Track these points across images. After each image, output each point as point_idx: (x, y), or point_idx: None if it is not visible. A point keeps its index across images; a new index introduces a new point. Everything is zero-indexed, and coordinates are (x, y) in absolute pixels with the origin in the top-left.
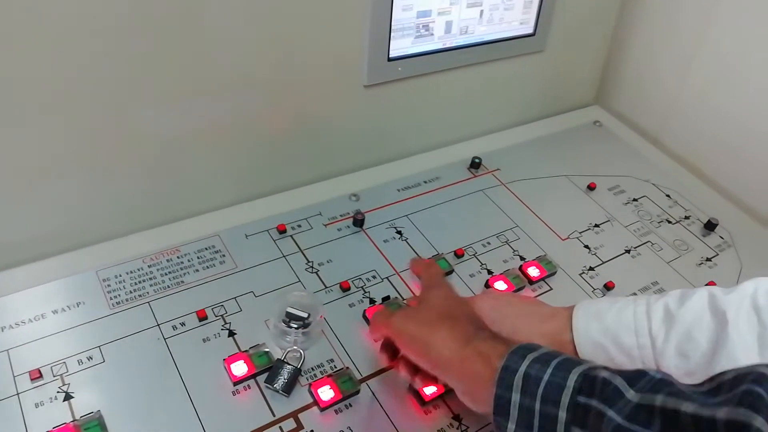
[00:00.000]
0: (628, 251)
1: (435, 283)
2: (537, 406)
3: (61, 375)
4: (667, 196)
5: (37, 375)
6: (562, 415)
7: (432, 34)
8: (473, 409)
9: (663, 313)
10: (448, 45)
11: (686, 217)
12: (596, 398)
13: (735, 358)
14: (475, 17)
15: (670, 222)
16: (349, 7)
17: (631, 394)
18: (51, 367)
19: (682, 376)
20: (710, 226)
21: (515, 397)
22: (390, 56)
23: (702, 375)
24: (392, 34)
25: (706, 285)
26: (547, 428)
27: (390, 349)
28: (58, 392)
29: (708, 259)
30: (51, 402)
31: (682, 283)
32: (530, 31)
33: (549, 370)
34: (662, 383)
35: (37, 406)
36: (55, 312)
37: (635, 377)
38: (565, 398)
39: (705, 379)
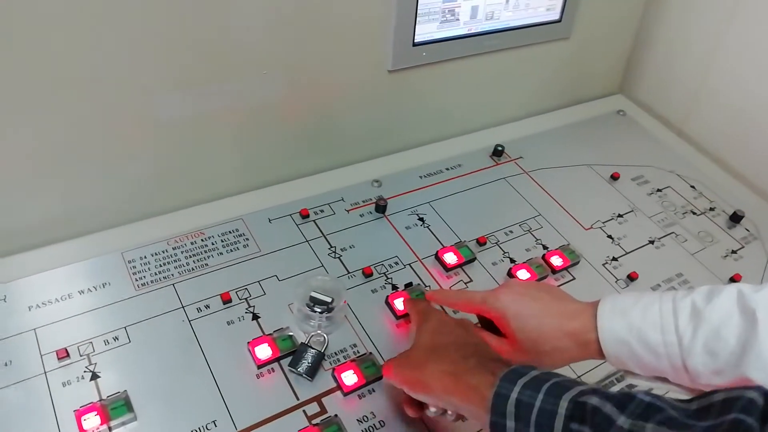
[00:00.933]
0: (651, 242)
1: (421, 319)
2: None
3: (87, 355)
4: (692, 187)
5: (64, 354)
6: None
7: (458, 20)
8: None
9: (690, 311)
10: (473, 30)
11: (711, 209)
12: (588, 425)
13: (765, 358)
14: (502, 2)
15: (694, 213)
16: None
17: (621, 421)
18: (78, 347)
19: (710, 375)
20: (736, 218)
21: (510, 423)
22: (415, 41)
23: (731, 374)
24: (418, 19)
25: (731, 278)
26: None
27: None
28: (84, 372)
29: (733, 252)
30: (78, 381)
31: (706, 275)
32: (556, 17)
33: (540, 396)
34: (652, 408)
35: (64, 385)
36: (81, 292)
37: (624, 402)
38: (558, 425)
39: (734, 378)
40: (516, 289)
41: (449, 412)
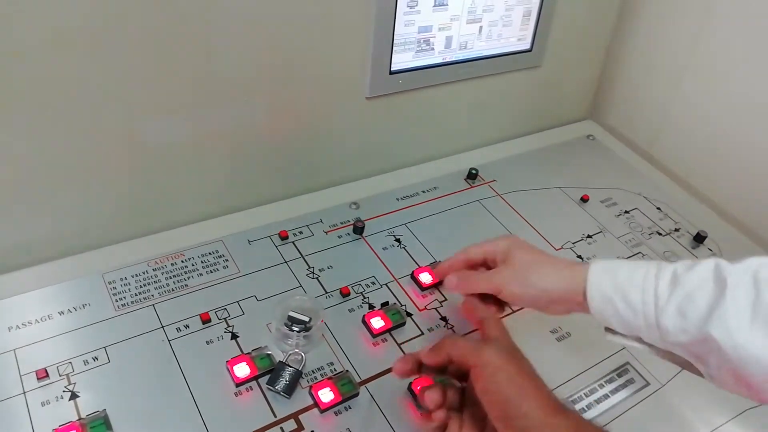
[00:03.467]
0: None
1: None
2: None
3: (67, 375)
4: (658, 208)
5: (43, 374)
6: None
7: (432, 49)
8: None
9: (671, 277)
10: (447, 59)
11: (676, 230)
12: None
13: (726, 321)
14: (475, 33)
15: (660, 234)
16: (353, 21)
17: None
18: (57, 367)
19: (678, 332)
20: (699, 239)
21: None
22: (392, 69)
23: (695, 333)
24: (394, 48)
25: None
26: None
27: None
28: (64, 391)
29: None
30: (57, 401)
31: None
32: (527, 47)
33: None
34: None
35: (43, 404)
36: (61, 313)
37: None
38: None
39: (698, 337)
40: (520, 243)
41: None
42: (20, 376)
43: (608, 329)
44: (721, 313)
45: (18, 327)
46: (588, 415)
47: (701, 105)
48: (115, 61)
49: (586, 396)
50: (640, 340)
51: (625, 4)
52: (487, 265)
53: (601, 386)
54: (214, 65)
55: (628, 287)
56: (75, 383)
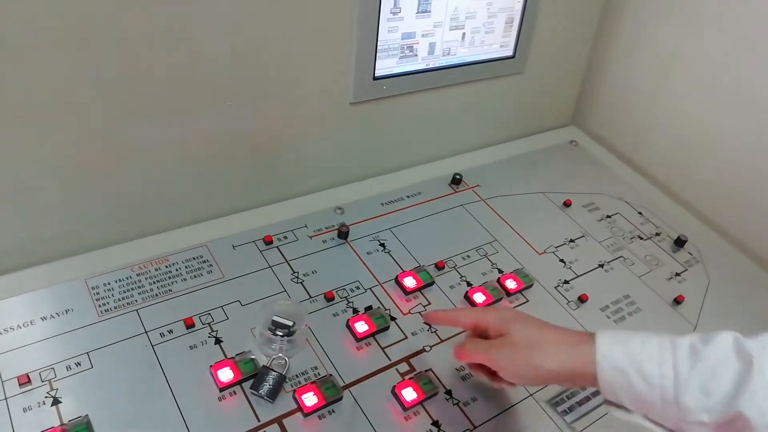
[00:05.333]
0: (601, 266)
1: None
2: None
3: (49, 380)
4: (639, 213)
5: (25, 380)
6: None
7: (416, 55)
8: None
9: (689, 350)
10: (431, 65)
11: (657, 234)
12: None
13: (757, 399)
14: (458, 39)
15: (641, 238)
16: (337, 28)
17: None
18: (39, 373)
19: (700, 411)
20: (680, 243)
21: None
22: (375, 75)
23: (721, 412)
24: (378, 54)
25: (675, 299)
26: None
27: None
28: (46, 397)
29: (677, 274)
30: (39, 407)
31: (652, 297)
32: (510, 53)
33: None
34: None
35: (25, 410)
36: (43, 319)
37: None
38: None
39: (726, 416)
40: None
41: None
42: (2, 382)
43: (609, 402)
44: (752, 391)
45: (0, 333)
46: (582, 410)
47: (682, 110)
48: (98, 65)
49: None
50: (645, 416)
51: (607, 12)
52: (478, 332)
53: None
54: (198, 70)
55: (643, 359)
56: (57, 389)
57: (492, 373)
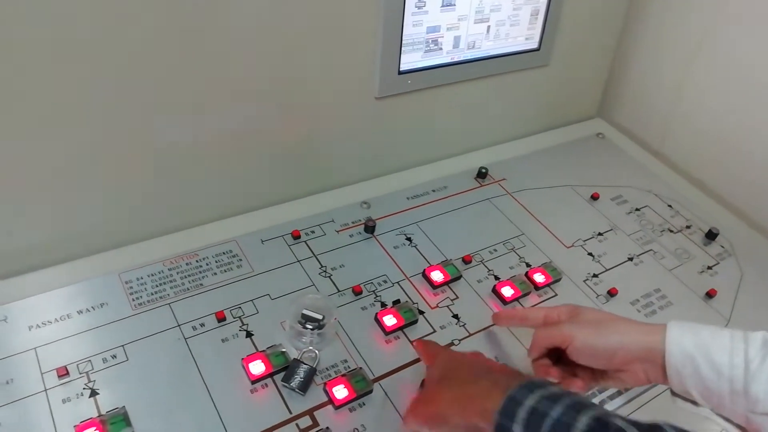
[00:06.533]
0: (630, 259)
1: (431, 357)
2: None
3: (86, 372)
4: (669, 206)
5: (63, 372)
6: None
7: (441, 49)
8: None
9: (761, 342)
10: (456, 59)
11: (687, 227)
12: None
13: None
14: (482, 32)
15: (671, 231)
16: (362, 22)
17: None
18: (77, 365)
19: None
20: (711, 236)
21: (517, 429)
22: (400, 69)
23: None
24: (403, 49)
25: (707, 292)
26: None
27: None
28: (84, 389)
29: (709, 268)
30: (77, 398)
31: (683, 290)
32: (535, 46)
33: (558, 408)
34: None
35: (64, 402)
36: (80, 312)
37: (652, 430)
38: None
39: None
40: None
41: None
42: (41, 374)
43: (675, 394)
44: None
45: (38, 326)
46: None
47: (711, 101)
48: (130, 63)
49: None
50: (712, 409)
51: (633, 2)
52: (548, 326)
53: None
54: (225, 67)
55: (713, 347)
56: (94, 381)
57: (562, 374)
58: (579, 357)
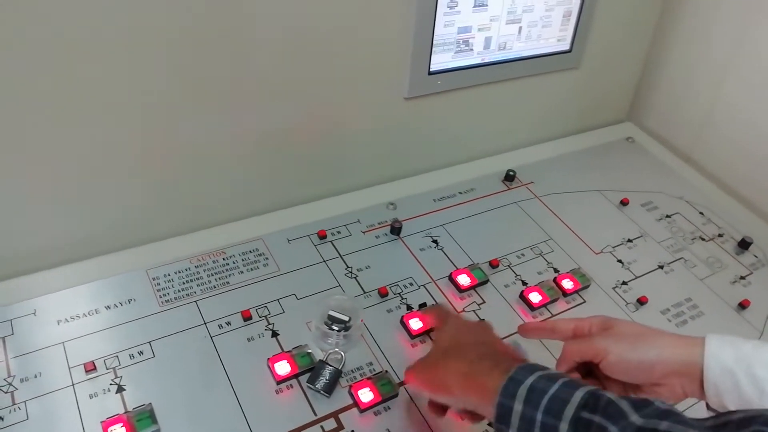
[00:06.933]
0: (661, 267)
1: (440, 323)
2: (539, 416)
3: (113, 368)
4: (701, 213)
5: (91, 367)
6: (564, 426)
7: (471, 50)
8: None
9: None
10: (486, 60)
11: (720, 235)
12: (599, 414)
13: None
14: (514, 33)
15: (703, 239)
16: (393, 22)
17: (634, 417)
18: (104, 361)
19: None
20: (744, 245)
21: (518, 406)
22: (431, 70)
23: None
24: (434, 49)
25: (740, 303)
26: None
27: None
28: (111, 384)
29: (742, 278)
30: (104, 393)
31: (715, 300)
32: (567, 47)
33: (556, 386)
34: (668, 413)
35: (91, 397)
36: (107, 308)
37: (642, 404)
38: (569, 412)
39: None
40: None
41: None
42: (69, 369)
43: (711, 408)
44: None
45: (66, 320)
46: None
47: (744, 107)
48: (155, 62)
49: None
50: None
51: (667, 5)
52: (577, 338)
53: None
54: (254, 66)
55: (754, 361)
56: (121, 377)
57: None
58: (613, 372)
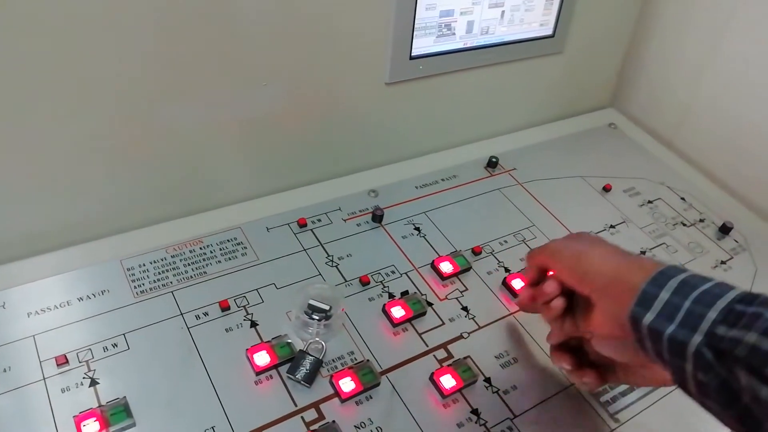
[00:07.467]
0: (643, 252)
1: (547, 257)
2: (686, 304)
3: (86, 361)
4: (682, 198)
5: (63, 361)
6: (712, 314)
7: (454, 34)
8: (602, 344)
9: None
10: (468, 45)
11: (701, 220)
12: (755, 305)
13: None
14: (497, 18)
15: (684, 225)
16: (374, 5)
17: None
18: (77, 354)
19: None
20: (725, 230)
21: (664, 295)
22: (412, 55)
23: None
24: (415, 33)
25: None
26: (690, 323)
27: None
28: (83, 378)
29: (723, 262)
30: (77, 387)
31: None
32: (549, 32)
33: (711, 283)
34: None
35: (63, 391)
36: (80, 299)
37: None
38: (721, 303)
39: None
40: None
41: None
42: (40, 362)
43: None
44: None
45: (37, 313)
46: (625, 401)
47: (725, 93)
48: (134, 45)
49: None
50: None
51: None
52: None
53: None
54: (231, 51)
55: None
56: (95, 370)
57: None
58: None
